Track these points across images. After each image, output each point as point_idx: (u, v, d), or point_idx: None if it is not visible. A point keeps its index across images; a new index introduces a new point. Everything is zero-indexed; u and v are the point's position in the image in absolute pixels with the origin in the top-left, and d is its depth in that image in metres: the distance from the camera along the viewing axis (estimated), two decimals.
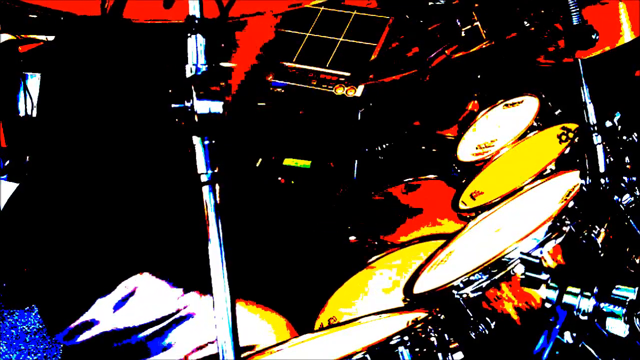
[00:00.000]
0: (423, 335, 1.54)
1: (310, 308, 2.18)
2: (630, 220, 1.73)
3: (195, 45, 1.26)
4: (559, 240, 1.67)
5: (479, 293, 1.66)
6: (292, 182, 3.12)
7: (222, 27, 1.44)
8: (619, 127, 1.82)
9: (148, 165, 1.94)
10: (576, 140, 2.13)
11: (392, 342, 1.51)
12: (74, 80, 2.14)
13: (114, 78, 1.99)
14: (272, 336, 1.96)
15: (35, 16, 3.85)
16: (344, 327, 1.81)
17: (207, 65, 1.26)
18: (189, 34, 1.25)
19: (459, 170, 2.61)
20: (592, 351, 1.51)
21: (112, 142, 1.95)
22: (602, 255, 1.65)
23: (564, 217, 1.68)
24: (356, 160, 3.16)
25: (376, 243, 2.61)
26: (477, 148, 2.66)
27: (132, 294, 1.91)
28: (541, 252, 1.65)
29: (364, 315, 1.84)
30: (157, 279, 1.94)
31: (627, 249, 1.75)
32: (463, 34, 2.00)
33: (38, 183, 2.13)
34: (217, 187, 1.26)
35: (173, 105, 1.24)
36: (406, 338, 1.52)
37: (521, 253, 1.55)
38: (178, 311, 1.96)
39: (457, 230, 2.10)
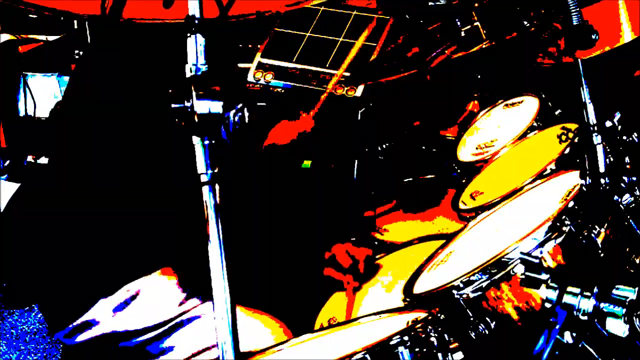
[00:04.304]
0: (423, 335, 1.54)
1: (309, 308, 2.18)
2: (630, 220, 1.73)
3: (195, 45, 1.26)
4: (559, 240, 1.67)
5: (479, 293, 1.66)
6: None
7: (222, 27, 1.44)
8: (619, 127, 1.82)
9: (153, 165, 1.94)
10: (576, 140, 2.13)
11: (392, 342, 1.51)
12: (73, 80, 2.14)
13: (114, 77, 1.99)
14: (269, 339, 1.96)
15: (35, 16, 3.85)
16: (344, 327, 1.81)
17: (207, 65, 1.26)
18: (189, 34, 1.25)
19: (459, 170, 2.61)
20: (592, 351, 1.51)
21: (114, 141, 1.95)
22: (602, 255, 1.65)
23: (564, 217, 1.68)
24: (356, 160, 3.16)
25: (376, 243, 2.60)
26: (477, 148, 2.66)
27: (134, 296, 1.91)
28: (541, 252, 1.65)
29: (364, 315, 1.84)
30: (161, 282, 1.94)
31: (627, 249, 1.75)
32: (463, 34, 2.00)
33: (38, 182, 2.13)
34: (217, 187, 1.26)
35: (173, 105, 1.24)
36: (406, 338, 1.52)
37: (521, 253, 1.55)
38: (181, 315, 1.96)
39: (457, 230, 2.10)
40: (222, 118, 1.24)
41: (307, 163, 3.13)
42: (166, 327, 1.95)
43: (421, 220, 2.74)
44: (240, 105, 1.25)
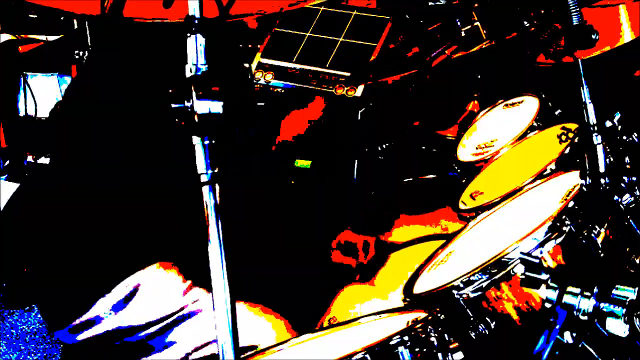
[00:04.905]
0: (423, 335, 1.54)
1: (311, 309, 2.18)
2: (630, 220, 1.73)
3: (195, 45, 1.26)
4: (559, 240, 1.67)
5: (479, 293, 1.66)
6: (292, 182, 3.11)
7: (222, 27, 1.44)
8: (619, 127, 1.82)
9: (151, 161, 1.94)
10: (576, 140, 2.13)
11: (392, 342, 1.51)
12: (75, 81, 2.14)
13: (114, 77, 1.99)
14: (271, 336, 1.96)
15: (35, 16, 3.85)
16: (344, 327, 1.81)
17: (207, 65, 1.26)
18: (189, 34, 1.25)
19: (459, 170, 2.61)
20: (592, 351, 1.51)
21: (113, 140, 1.95)
22: (602, 255, 1.65)
23: (564, 217, 1.68)
24: (356, 160, 3.16)
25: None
26: (477, 148, 2.66)
27: (134, 292, 1.91)
28: (541, 252, 1.65)
29: (364, 315, 1.84)
30: (161, 277, 1.94)
31: (627, 249, 1.75)
32: (463, 34, 2.00)
33: (38, 182, 2.13)
34: (217, 187, 1.26)
35: (173, 105, 1.24)
36: (406, 338, 1.52)
37: (521, 253, 1.55)
38: (181, 309, 1.96)
39: (457, 230, 2.10)
40: (224, 119, 1.24)
41: (307, 163, 3.13)
42: (169, 320, 1.95)
43: (421, 220, 2.74)
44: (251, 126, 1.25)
